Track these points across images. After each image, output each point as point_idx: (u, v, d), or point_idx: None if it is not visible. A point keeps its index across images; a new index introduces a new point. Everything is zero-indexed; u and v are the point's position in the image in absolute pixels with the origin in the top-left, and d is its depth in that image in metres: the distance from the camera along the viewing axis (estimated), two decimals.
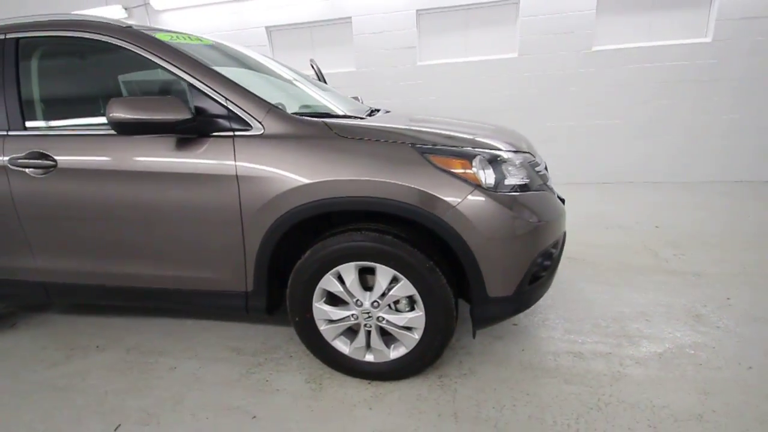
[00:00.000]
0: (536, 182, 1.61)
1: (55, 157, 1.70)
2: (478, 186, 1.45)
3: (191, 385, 1.82)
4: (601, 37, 4.44)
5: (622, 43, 4.41)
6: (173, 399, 1.73)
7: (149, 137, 1.65)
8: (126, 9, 5.44)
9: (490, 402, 1.61)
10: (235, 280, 1.71)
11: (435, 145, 1.51)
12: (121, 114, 1.45)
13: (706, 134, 4.50)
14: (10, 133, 1.78)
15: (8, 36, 1.81)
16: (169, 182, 1.62)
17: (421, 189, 1.43)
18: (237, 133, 1.58)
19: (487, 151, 1.55)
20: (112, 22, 1.72)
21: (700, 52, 4.21)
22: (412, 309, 1.62)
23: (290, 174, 1.50)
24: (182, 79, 1.62)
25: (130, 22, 1.85)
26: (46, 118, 1.82)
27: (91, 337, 2.25)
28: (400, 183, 1.44)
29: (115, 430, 1.57)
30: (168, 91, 1.76)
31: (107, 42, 1.68)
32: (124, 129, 1.52)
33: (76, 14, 1.87)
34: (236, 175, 1.55)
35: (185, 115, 1.51)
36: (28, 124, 1.80)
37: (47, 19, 1.79)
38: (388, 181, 1.44)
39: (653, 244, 3.08)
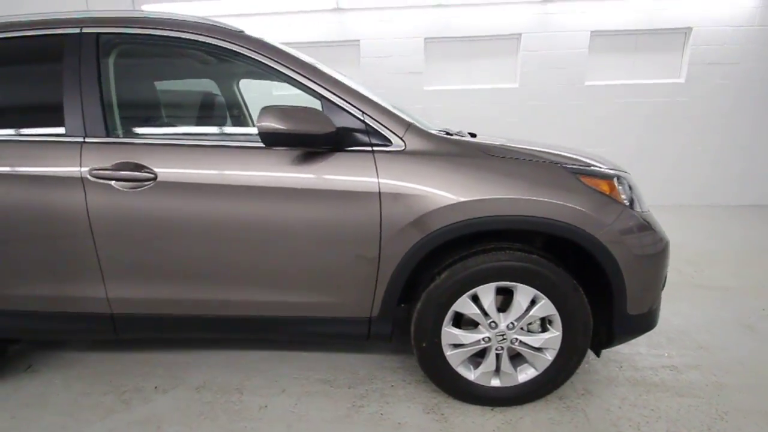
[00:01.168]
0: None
1: (155, 169, 1.49)
2: (625, 205, 1.51)
3: (296, 425, 1.63)
4: (593, 73, 4.90)
5: (611, 80, 4.89)
6: None
7: (265, 150, 1.52)
8: None
9: (623, 421, 1.62)
10: (358, 306, 1.59)
11: (581, 166, 1.55)
12: (273, 124, 1.32)
13: (684, 162, 5.05)
14: (88, 140, 1.54)
15: (85, 30, 1.60)
16: (294, 199, 1.49)
17: (578, 208, 1.45)
18: (376, 148, 1.50)
19: (619, 172, 1.62)
20: (228, 27, 1.59)
21: (676, 91, 4.79)
22: (544, 330, 1.61)
23: (441, 192, 1.45)
24: (313, 91, 1.52)
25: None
26: (138, 125, 1.60)
27: (141, 377, 1.94)
28: (558, 202, 1.44)
29: None
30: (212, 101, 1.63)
31: (225, 48, 1.54)
32: (273, 140, 1.38)
33: (174, 13, 1.69)
34: (379, 192, 1.46)
35: (331, 129, 1.41)
36: (112, 130, 1.57)
37: (143, 15, 1.61)
38: (547, 200, 1.44)
39: (672, 261, 3.36)
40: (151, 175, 1.49)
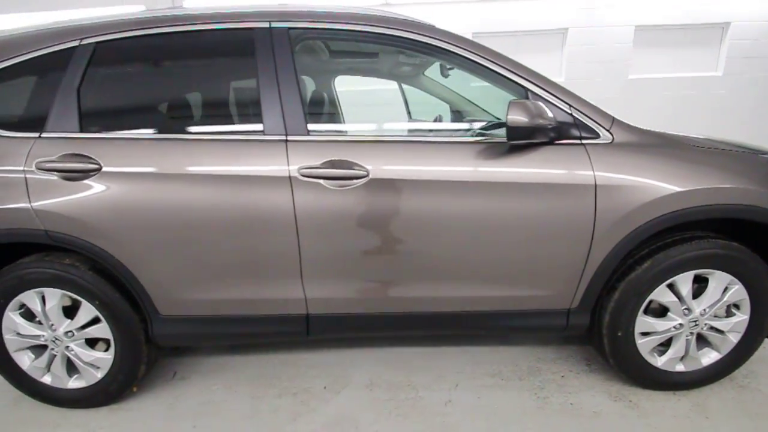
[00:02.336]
0: None
1: (367, 167, 1.47)
2: None
3: (494, 418, 1.64)
4: (636, 67, 5.03)
5: (653, 74, 5.04)
6: None
7: (472, 144, 1.52)
8: (150, 9, 4.82)
9: None
10: (560, 298, 1.61)
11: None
12: (522, 117, 1.32)
13: None
14: (292, 138, 1.50)
15: (274, 24, 1.54)
16: (506, 193, 1.49)
17: None
18: (586, 141, 1.52)
19: None
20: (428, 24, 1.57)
21: (714, 84, 4.98)
22: (728, 314, 1.67)
23: (657, 182, 1.48)
24: (519, 85, 1.52)
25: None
26: (338, 122, 1.56)
27: (300, 378, 1.91)
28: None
29: None
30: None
31: (425, 42, 1.53)
32: (517, 134, 1.37)
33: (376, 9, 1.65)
34: (595, 185, 1.48)
35: (554, 121, 1.42)
36: (311, 127, 1.53)
37: (337, 10, 1.57)
38: (757, 189, 1.49)
39: None
40: (363, 173, 1.47)
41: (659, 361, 1.70)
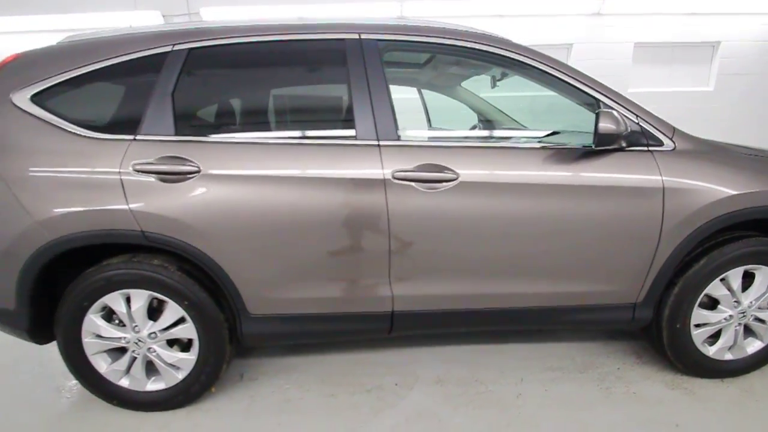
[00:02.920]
0: None
1: (458, 171, 1.56)
2: None
3: (569, 408, 1.74)
4: (635, 82, 5.34)
5: (651, 88, 5.35)
6: (580, 424, 1.65)
7: (549, 151, 1.64)
8: (164, 16, 4.81)
9: None
10: (627, 293, 1.73)
11: None
12: (612, 125, 1.45)
13: None
14: (384, 143, 1.58)
15: (364, 36, 1.63)
16: (581, 196, 1.61)
17: None
18: (652, 148, 1.66)
19: None
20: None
21: (707, 98, 5.33)
22: None
23: (717, 186, 1.63)
24: (591, 96, 1.66)
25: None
26: (423, 128, 1.65)
27: (368, 376, 1.96)
28: None
29: None
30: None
31: (502, 56, 1.65)
32: (604, 140, 1.50)
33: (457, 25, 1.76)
34: (663, 188, 1.62)
35: (630, 130, 1.56)
36: (402, 133, 1.62)
37: (425, 24, 1.67)
38: None
39: None
40: (453, 176, 1.56)
41: (710, 351, 1.84)
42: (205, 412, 1.76)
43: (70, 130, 1.56)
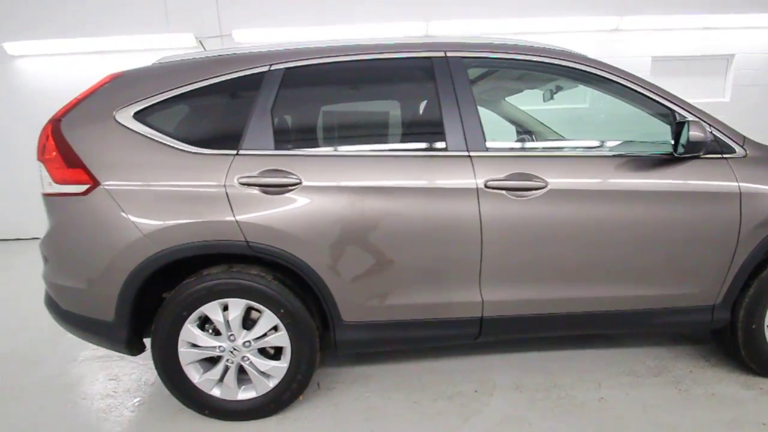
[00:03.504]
0: None
1: (546, 179, 1.63)
2: None
3: (647, 410, 1.76)
4: None
5: None
6: (669, 426, 1.67)
7: (627, 158, 1.71)
8: (198, 38, 4.95)
9: None
10: (706, 295, 1.78)
11: None
12: (700, 134, 1.53)
13: None
14: (474, 154, 1.65)
15: (450, 54, 1.72)
16: (665, 202, 1.68)
17: None
18: (726, 156, 1.74)
19: None
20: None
21: (722, 109, 5.46)
22: None
23: None
24: (667, 108, 1.75)
25: None
26: (523, 140, 1.74)
27: (446, 384, 1.98)
28: None
29: None
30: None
31: (583, 71, 1.75)
32: (689, 149, 1.58)
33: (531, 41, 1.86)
34: (739, 193, 1.69)
35: (711, 138, 1.64)
36: (490, 144, 1.69)
37: (506, 42, 1.77)
38: None
39: None
40: (542, 184, 1.63)
41: None
42: (294, 420, 1.78)
43: (173, 145, 1.63)
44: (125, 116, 1.66)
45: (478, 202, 1.61)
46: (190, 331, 1.67)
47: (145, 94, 1.67)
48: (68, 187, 1.62)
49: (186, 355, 1.70)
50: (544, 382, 1.99)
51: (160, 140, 1.64)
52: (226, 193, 1.58)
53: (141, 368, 2.23)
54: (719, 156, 1.73)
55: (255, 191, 1.59)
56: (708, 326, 1.85)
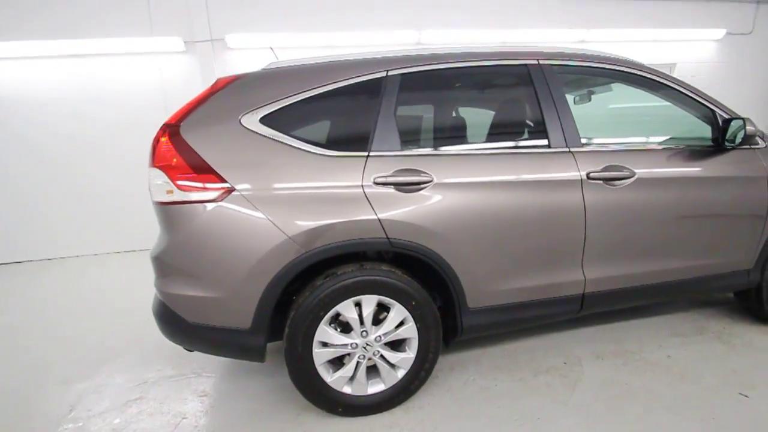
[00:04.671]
0: None
1: (634, 170, 1.90)
2: None
3: (707, 360, 2.10)
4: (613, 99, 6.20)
5: (617, 104, 6.25)
6: (731, 371, 2.00)
7: (688, 150, 2.05)
8: (185, 42, 4.70)
9: None
10: (744, 261, 2.17)
11: None
12: (753, 128, 1.87)
13: None
14: (574, 149, 1.88)
15: (542, 62, 1.94)
16: (717, 184, 2.05)
17: None
18: (753, 147, 2.13)
19: None
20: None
21: None
22: None
23: None
24: (708, 108, 2.10)
25: None
26: (609, 136, 2.00)
27: (534, 361, 2.18)
28: None
29: None
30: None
31: (649, 78, 2.06)
32: (746, 142, 1.91)
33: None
34: (767, 176, 2.09)
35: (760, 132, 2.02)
36: (584, 140, 1.92)
37: (583, 51, 2.02)
38: None
39: None
40: (630, 174, 1.90)
41: None
42: (419, 409, 1.86)
43: (305, 148, 1.66)
44: (251, 120, 1.66)
45: (582, 192, 1.84)
46: (325, 331, 1.70)
47: (270, 98, 1.68)
48: (196, 194, 1.59)
49: (320, 356, 1.72)
50: (617, 349, 2.26)
51: (290, 144, 1.66)
52: (364, 193, 1.65)
53: (223, 380, 2.16)
54: (748, 147, 2.13)
55: (390, 190, 1.67)
56: (744, 287, 2.25)
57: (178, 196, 1.60)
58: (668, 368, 2.07)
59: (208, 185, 1.58)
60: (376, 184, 1.67)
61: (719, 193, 2.04)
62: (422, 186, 1.69)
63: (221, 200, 1.58)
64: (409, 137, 1.80)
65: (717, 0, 6.08)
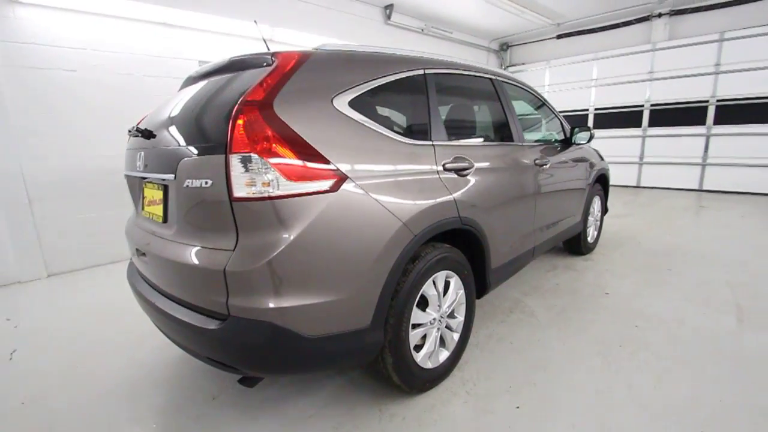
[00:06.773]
0: None
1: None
2: None
3: (559, 291, 3.26)
4: None
5: None
6: (563, 281, 3.18)
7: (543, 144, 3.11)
8: None
9: None
10: (578, 220, 3.43)
11: None
12: (588, 134, 3.00)
13: None
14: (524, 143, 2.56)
15: (494, 78, 2.54)
16: (566, 165, 3.17)
17: None
18: (579, 144, 3.40)
19: None
20: None
21: None
22: None
23: None
24: (557, 117, 3.22)
25: None
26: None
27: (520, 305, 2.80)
28: None
29: None
30: None
31: None
32: (586, 141, 3.01)
33: None
34: (587, 159, 3.40)
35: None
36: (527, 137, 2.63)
37: None
38: None
39: None
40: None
41: None
42: (466, 364, 2.13)
43: (388, 135, 1.66)
44: (342, 103, 1.52)
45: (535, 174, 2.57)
46: (415, 312, 1.75)
47: (354, 82, 1.59)
48: (308, 185, 1.35)
49: (413, 338, 1.76)
50: (530, 288, 3.17)
51: (377, 129, 1.62)
52: (440, 177, 1.80)
53: (270, 390, 1.78)
54: (577, 144, 3.41)
55: (453, 175, 1.89)
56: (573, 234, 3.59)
57: (287, 188, 1.32)
58: (560, 287, 3.11)
59: (321, 175, 1.38)
60: (446, 170, 1.85)
61: (568, 169, 3.21)
62: (468, 170, 1.99)
63: (337, 189, 1.41)
64: (450, 130, 2.04)
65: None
